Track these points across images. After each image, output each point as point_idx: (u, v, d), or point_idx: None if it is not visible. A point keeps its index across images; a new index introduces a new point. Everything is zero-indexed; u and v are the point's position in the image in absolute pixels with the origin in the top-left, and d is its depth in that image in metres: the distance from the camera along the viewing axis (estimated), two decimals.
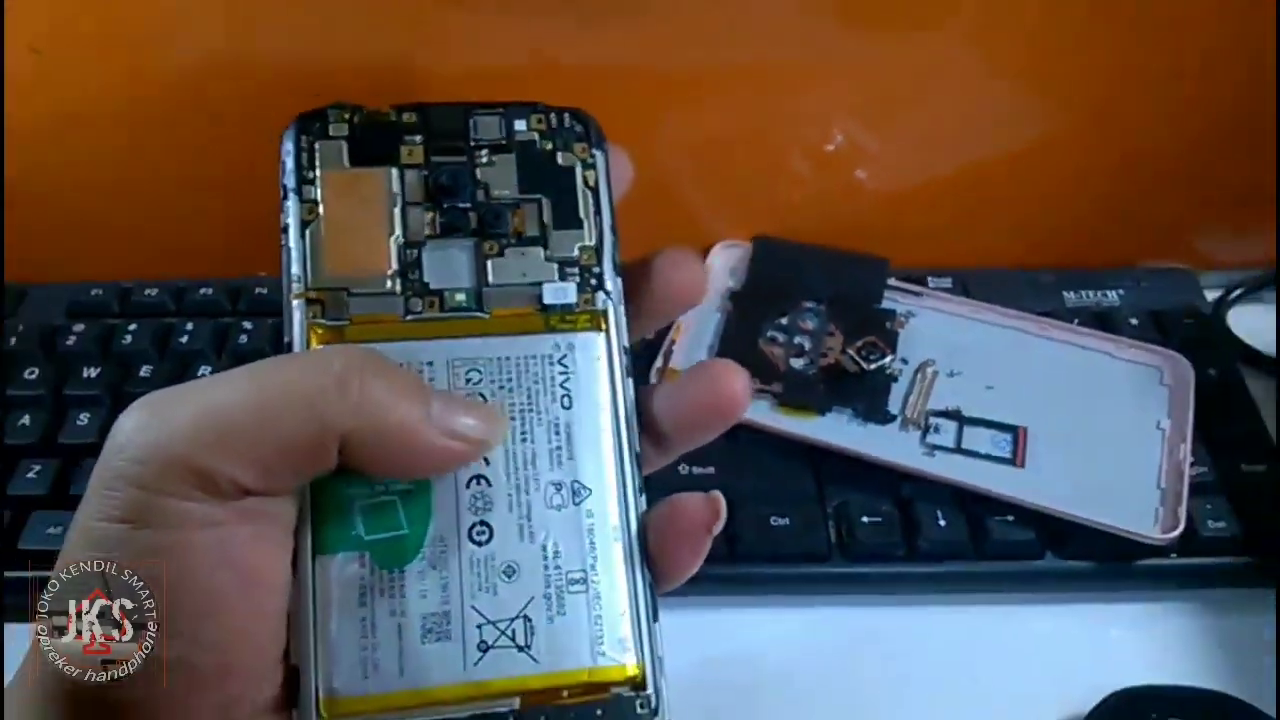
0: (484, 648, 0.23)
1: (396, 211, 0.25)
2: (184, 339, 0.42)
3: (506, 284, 0.25)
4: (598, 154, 0.27)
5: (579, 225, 0.26)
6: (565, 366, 0.25)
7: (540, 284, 0.26)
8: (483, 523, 0.24)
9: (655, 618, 0.24)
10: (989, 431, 0.39)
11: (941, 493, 0.37)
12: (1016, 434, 0.38)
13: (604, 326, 0.26)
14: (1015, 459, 0.38)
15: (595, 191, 0.27)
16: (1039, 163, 0.44)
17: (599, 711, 0.23)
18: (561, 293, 0.26)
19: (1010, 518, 0.36)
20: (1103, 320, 0.44)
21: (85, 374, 0.41)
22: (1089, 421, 0.39)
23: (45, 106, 0.40)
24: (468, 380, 0.25)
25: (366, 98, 0.40)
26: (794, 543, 0.36)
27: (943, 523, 0.37)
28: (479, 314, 0.25)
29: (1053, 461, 0.37)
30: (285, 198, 0.25)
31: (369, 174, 0.26)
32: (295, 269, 0.24)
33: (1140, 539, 0.35)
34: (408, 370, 0.23)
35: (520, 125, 0.27)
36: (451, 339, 0.25)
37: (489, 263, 0.26)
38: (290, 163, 0.25)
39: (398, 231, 0.25)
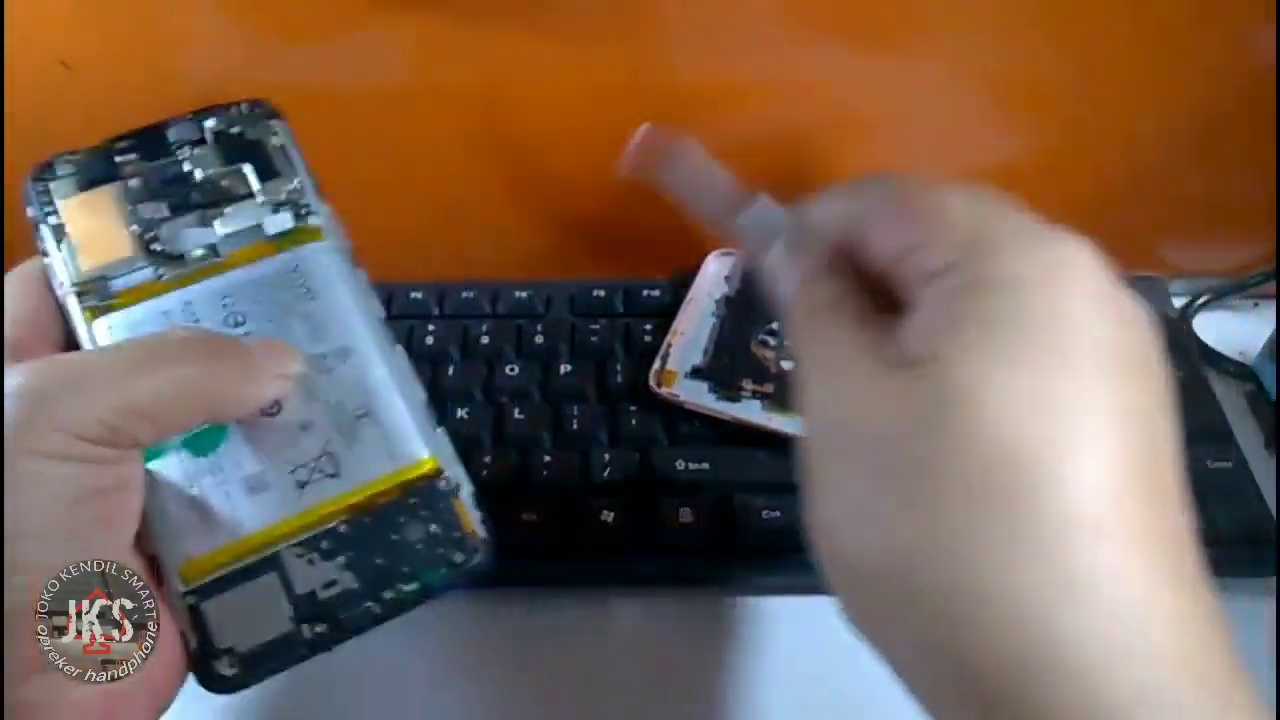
0: (301, 485, 0.28)
1: (129, 210, 0.31)
2: None
3: (233, 231, 0.31)
4: (276, 124, 0.33)
5: (279, 175, 0.32)
6: (299, 271, 0.31)
7: (260, 223, 0.31)
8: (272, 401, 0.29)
9: (437, 426, 0.29)
10: None
11: None
12: None
13: (323, 237, 0.31)
14: None
15: (284, 150, 0.33)
16: (1014, 178, 0.44)
17: (412, 500, 0.28)
18: (280, 222, 0.31)
19: None
20: None
21: None
22: None
23: (75, 118, 0.40)
24: (224, 306, 0.30)
25: (371, 107, 0.42)
26: (785, 536, 0.37)
27: None
28: (218, 259, 0.31)
29: None
30: (35, 230, 0.31)
31: (99, 192, 0.32)
32: (59, 276, 0.30)
33: None
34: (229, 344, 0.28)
35: (210, 122, 0.33)
36: (203, 282, 0.31)
37: (215, 222, 0.31)
38: (32, 205, 0.31)
39: (134, 225, 0.31)
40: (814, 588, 0.37)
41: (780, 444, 0.40)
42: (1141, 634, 0.19)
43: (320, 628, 0.27)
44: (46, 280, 0.29)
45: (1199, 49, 0.41)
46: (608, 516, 0.38)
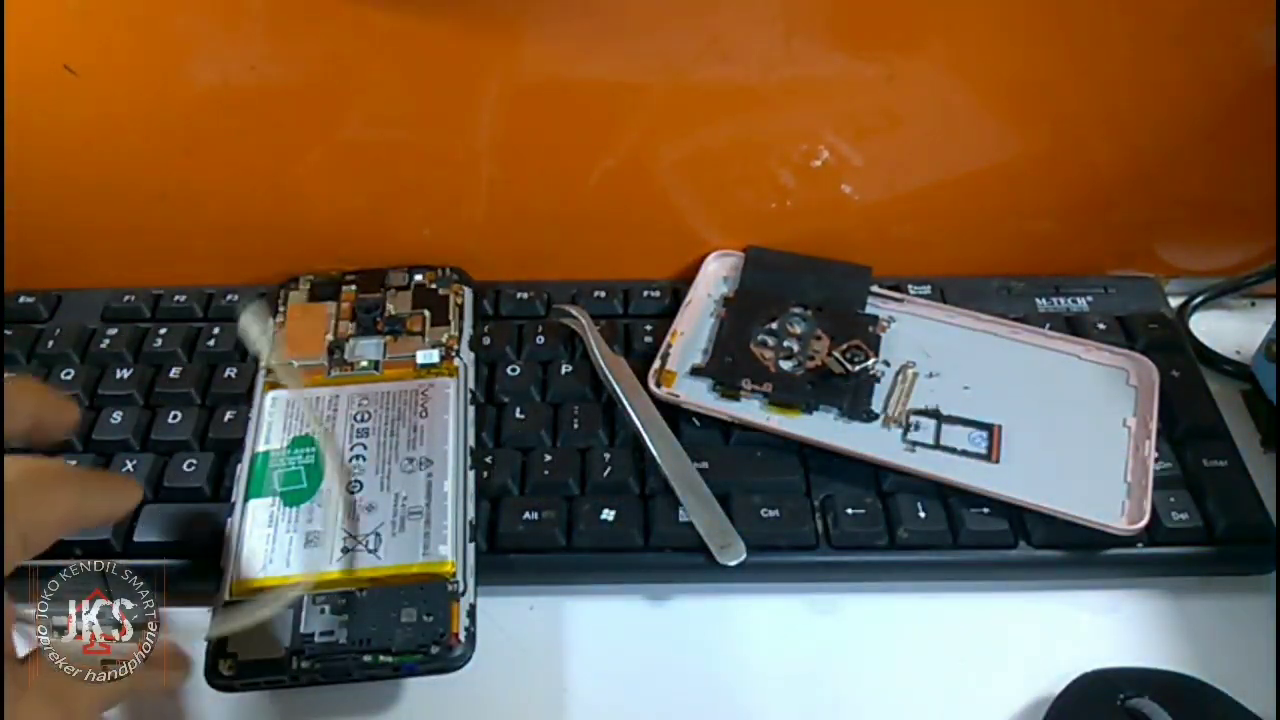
0: (345, 551, 0.34)
1: (332, 323, 0.41)
2: (211, 342, 0.43)
3: (396, 356, 0.40)
4: (465, 289, 0.43)
5: (446, 324, 0.42)
6: (426, 395, 0.39)
7: (415, 354, 0.40)
8: (357, 480, 0.36)
9: (470, 540, 0.35)
10: (966, 429, 0.40)
11: (921, 486, 0.38)
12: (991, 431, 0.39)
13: (456, 375, 0.40)
14: (990, 455, 0.39)
15: (461, 309, 0.42)
16: (1012, 178, 0.45)
17: (421, 589, 0.33)
18: (429, 357, 0.40)
19: (985, 509, 0.37)
20: (1072, 325, 0.44)
21: (118, 375, 0.42)
22: (1060, 420, 0.40)
23: (79, 123, 0.41)
24: (359, 404, 0.38)
25: (372, 108, 0.42)
26: (783, 533, 0.37)
27: (922, 514, 0.37)
28: (375, 372, 0.40)
29: (1025, 457, 0.38)
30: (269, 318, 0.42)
31: (318, 305, 0.42)
32: (264, 355, 0.40)
33: (1108, 530, 0.36)
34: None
35: (418, 277, 0.43)
36: (355, 385, 0.39)
37: (385, 346, 0.41)
38: (272, 301, 0.42)
39: (330, 335, 0.41)
40: (812, 585, 0.39)
41: (779, 443, 0.40)
42: None
43: (304, 664, 0.31)
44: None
45: (1199, 49, 0.41)
46: (608, 516, 0.38)
